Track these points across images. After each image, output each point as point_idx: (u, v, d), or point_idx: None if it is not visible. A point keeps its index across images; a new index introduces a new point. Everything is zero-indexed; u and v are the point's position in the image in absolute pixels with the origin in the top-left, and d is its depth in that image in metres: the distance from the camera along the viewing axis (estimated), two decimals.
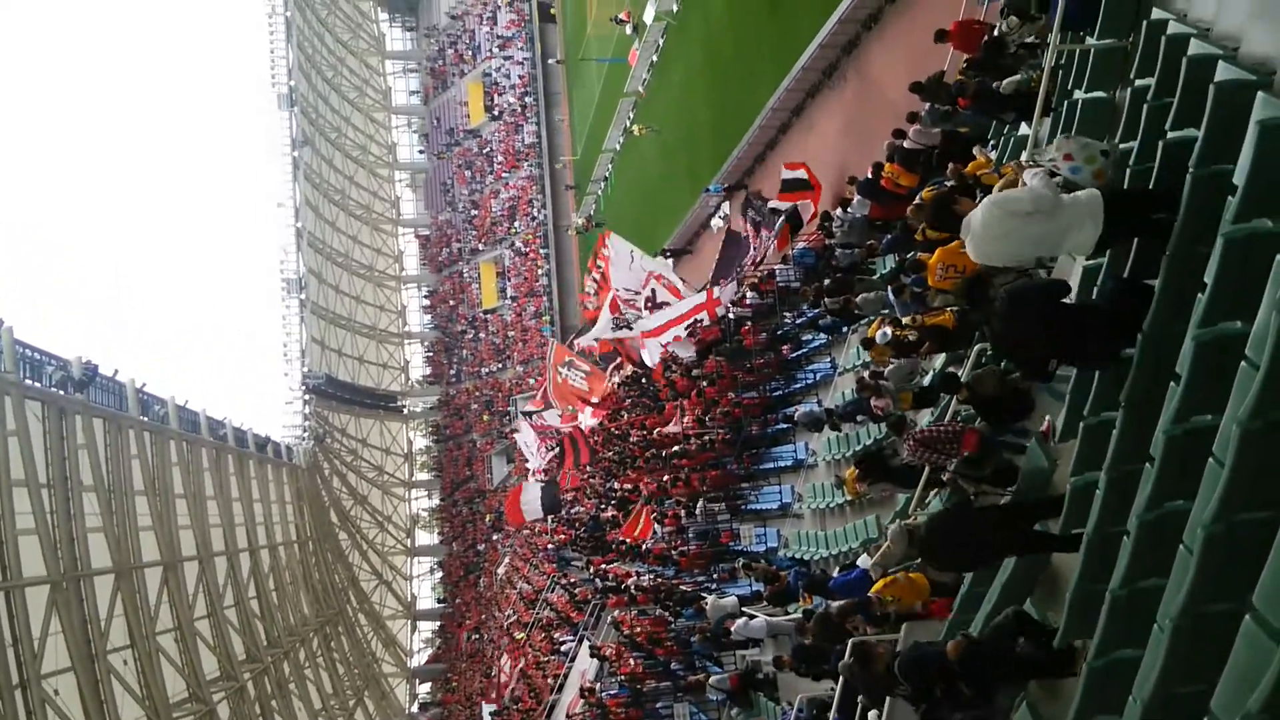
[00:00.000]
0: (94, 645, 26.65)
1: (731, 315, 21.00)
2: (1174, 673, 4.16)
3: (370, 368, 68.35)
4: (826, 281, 14.40)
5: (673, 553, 21.10)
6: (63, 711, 24.74)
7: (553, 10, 62.68)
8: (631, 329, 26.51)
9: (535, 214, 62.74)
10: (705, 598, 17.41)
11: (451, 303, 70.96)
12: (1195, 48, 5.51)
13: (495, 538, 62.91)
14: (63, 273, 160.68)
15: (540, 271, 61.82)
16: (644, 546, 23.83)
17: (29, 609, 24.16)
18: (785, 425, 17.96)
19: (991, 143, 10.76)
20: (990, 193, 6.30)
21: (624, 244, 22.64)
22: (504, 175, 66.10)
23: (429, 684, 66.46)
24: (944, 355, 9.91)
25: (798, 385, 18.08)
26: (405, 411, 72.57)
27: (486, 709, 39.88)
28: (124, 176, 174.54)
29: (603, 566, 29.11)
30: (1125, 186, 6.21)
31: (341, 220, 66.45)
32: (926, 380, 10.53)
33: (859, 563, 9.82)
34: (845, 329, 15.36)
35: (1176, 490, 4.59)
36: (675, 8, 33.41)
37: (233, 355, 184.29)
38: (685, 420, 22.03)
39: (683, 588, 20.46)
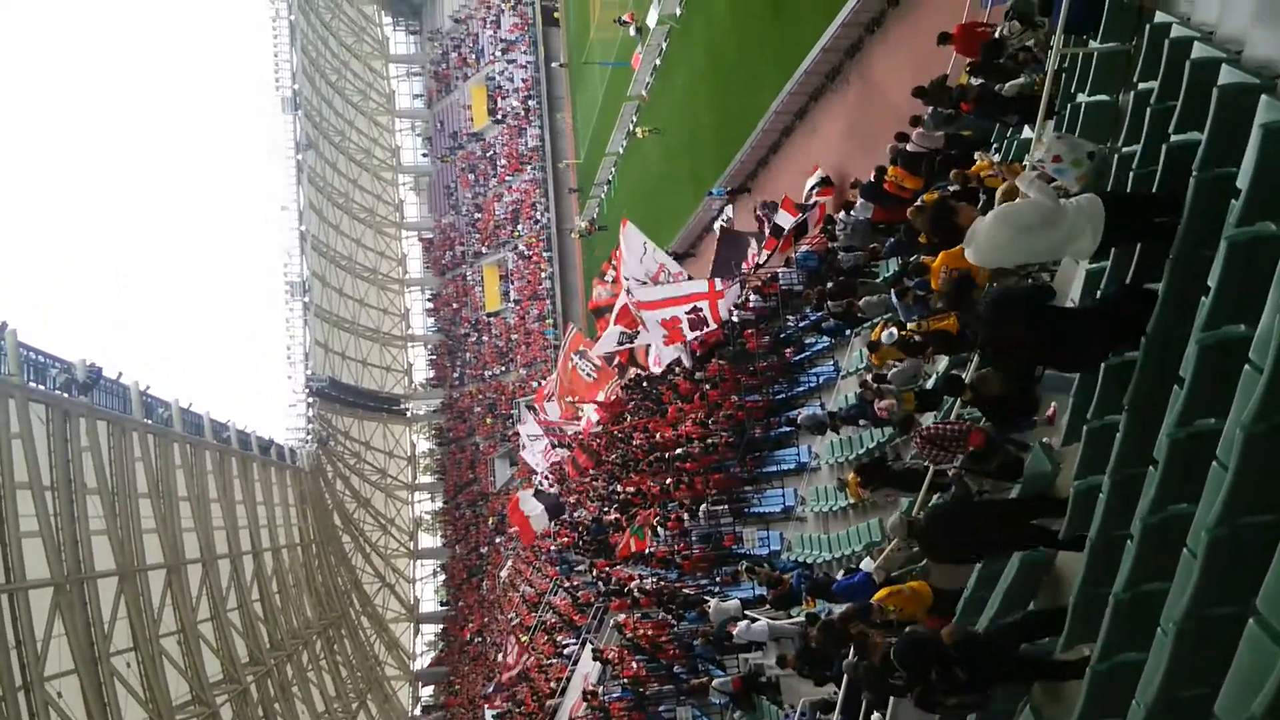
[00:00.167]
0: (97, 648, 26.67)
1: (735, 318, 20.98)
2: (1177, 677, 4.15)
3: (373, 371, 68.41)
4: (829, 285, 14.39)
5: (676, 556, 21.08)
6: (65, 714, 24.75)
7: (556, 14, 62.80)
8: (634, 341, 26.50)
9: (538, 217, 62.79)
10: (708, 601, 17.39)
11: (455, 306, 71.02)
12: (1199, 51, 5.50)
13: (498, 540, 62.91)
14: (67, 275, 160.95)
15: (543, 275, 61.85)
16: (648, 550, 23.82)
17: (32, 611, 24.19)
18: (788, 428, 17.96)
19: (995, 146, 10.76)
20: (993, 195, 6.29)
21: (638, 234, 22.57)
22: (507, 178, 66.18)
23: (432, 687, 66.46)
24: (948, 358, 9.90)
25: (801, 388, 18.07)
26: (408, 414, 72.61)
27: (489, 713, 39.88)
28: (128, 179, 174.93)
29: (606, 569, 29.09)
30: (1127, 190, 6.21)
31: (345, 223, 66.55)
32: (930, 384, 10.52)
33: (862, 566, 9.82)
34: (848, 332, 15.37)
35: (1180, 494, 4.59)
36: (678, 11, 33.44)
37: (236, 358, 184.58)
38: (688, 424, 22.02)
39: (685, 591, 20.45)
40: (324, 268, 62.30)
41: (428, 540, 73.05)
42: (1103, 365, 5.86)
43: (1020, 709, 6.35)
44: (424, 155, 76.33)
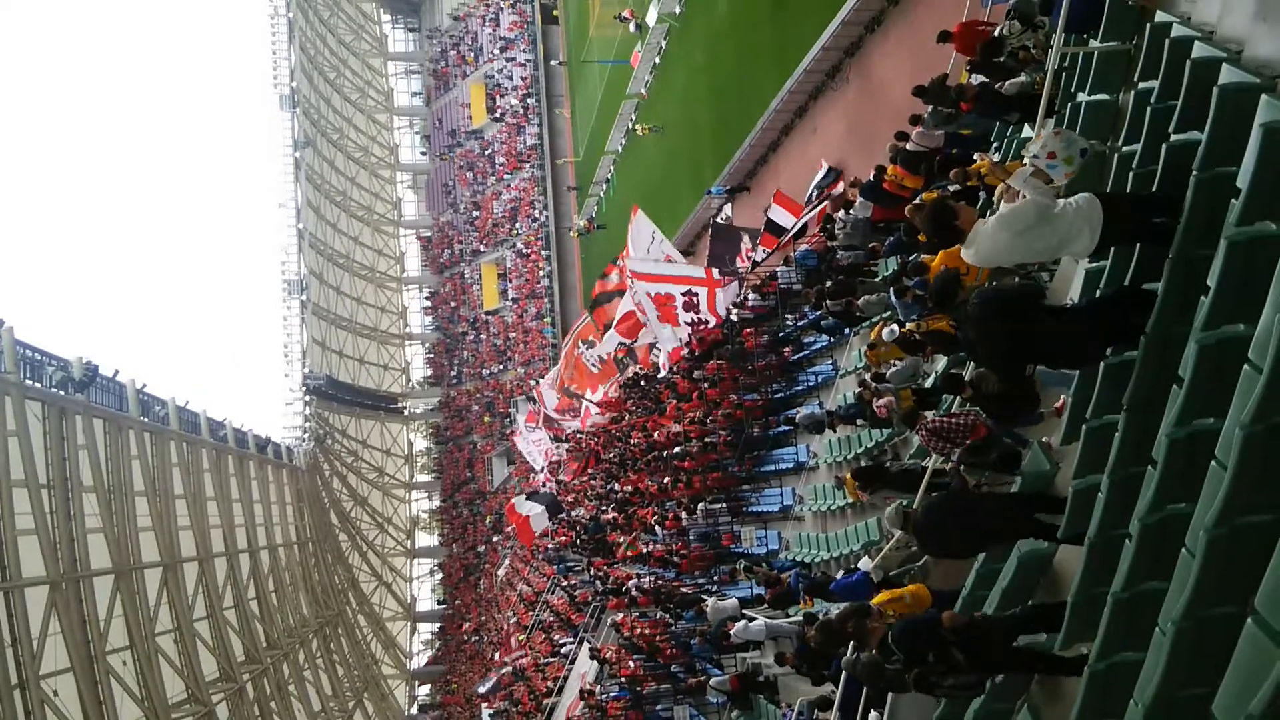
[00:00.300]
0: (93, 646, 26.65)
1: (734, 317, 20.98)
2: (1176, 676, 4.15)
3: (371, 369, 68.39)
4: (828, 284, 14.38)
5: (674, 555, 21.09)
6: (62, 712, 24.73)
7: (555, 12, 62.78)
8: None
9: (537, 215, 62.79)
10: (706, 600, 17.39)
11: (453, 304, 71.01)
12: (1199, 50, 5.50)
13: (495, 539, 62.92)
14: (63, 273, 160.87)
15: (542, 273, 61.84)
16: (645, 550, 23.85)
17: (28, 609, 24.17)
18: (787, 427, 17.96)
19: (994, 145, 10.76)
20: (993, 193, 6.29)
21: (648, 223, 22.55)
22: (505, 177, 66.17)
23: (428, 686, 66.46)
24: (947, 357, 9.90)
25: (799, 387, 18.08)
26: (406, 413, 72.60)
27: (486, 712, 39.88)
28: (126, 177, 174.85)
29: (604, 568, 29.10)
30: (1126, 190, 6.21)
31: (343, 221, 66.52)
32: (929, 382, 10.51)
33: (860, 565, 9.82)
34: (847, 331, 15.36)
35: (1179, 493, 4.59)
36: (678, 9, 33.45)
37: (233, 356, 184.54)
38: (684, 422, 22.00)
39: (683, 590, 20.45)
40: (322, 266, 62.27)
41: (425, 539, 73.07)
42: (1101, 364, 5.86)
43: (1019, 708, 6.35)
44: (422, 153, 76.33)
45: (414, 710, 64.37)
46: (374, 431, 69.09)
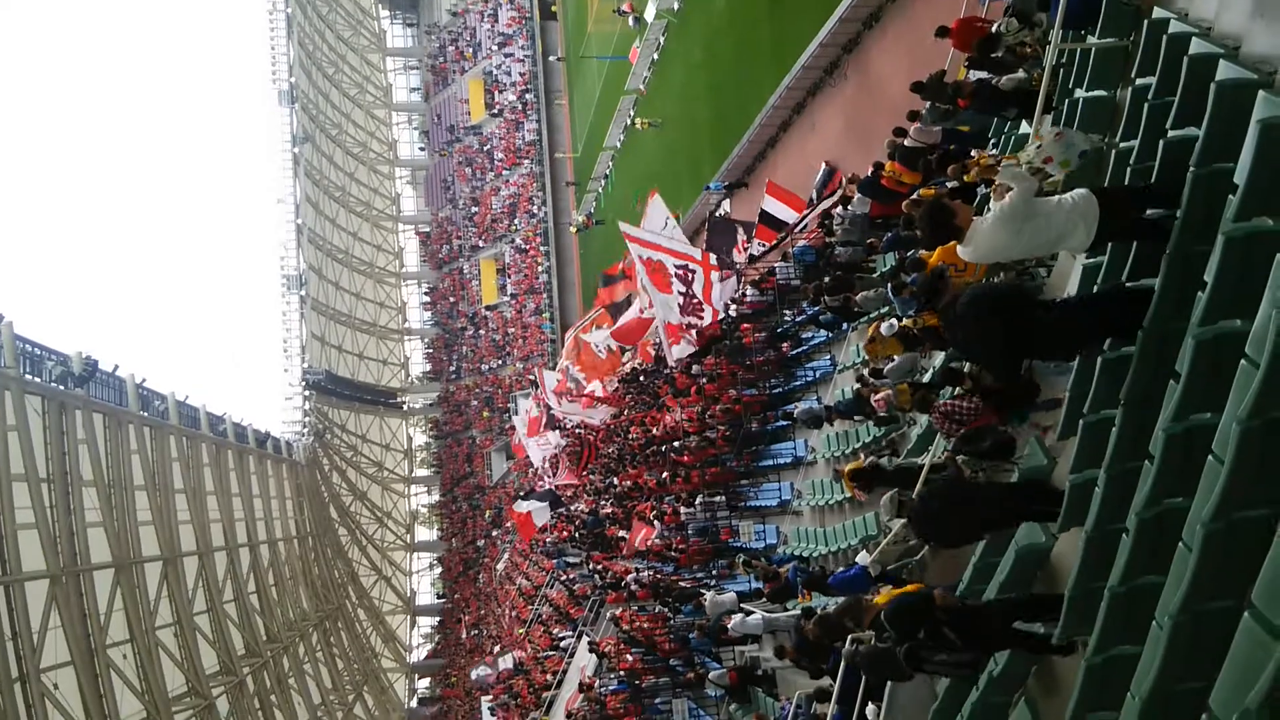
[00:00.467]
0: (93, 640, 26.68)
1: (732, 312, 20.97)
2: (1173, 670, 4.17)
3: (370, 364, 68.38)
4: (827, 279, 14.40)
5: (672, 549, 21.12)
6: (62, 706, 24.77)
7: (554, 7, 62.63)
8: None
9: (535, 211, 62.75)
10: (704, 594, 17.43)
11: (452, 299, 70.98)
12: (1196, 47, 5.51)
13: (494, 534, 62.98)
14: (63, 269, 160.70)
15: (540, 268, 61.82)
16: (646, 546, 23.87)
17: (28, 603, 24.18)
18: (785, 422, 17.98)
19: (992, 141, 10.77)
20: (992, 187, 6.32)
21: (663, 208, 22.49)
22: (504, 172, 66.12)
23: (428, 679, 66.55)
24: (944, 352, 9.92)
25: (798, 383, 18.10)
26: (405, 408, 72.61)
27: (485, 704, 39.94)
28: (125, 172, 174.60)
29: (602, 563, 29.13)
30: (1123, 184, 6.23)
31: (342, 217, 66.46)
32: (926, 377, 10.53)
33: (858, 560, 9.84)
34: (845, 327, 15.37)
35: (1176, 488, 4.61)
36: (676, 6, 33.41)
37: (233, 351, 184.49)
38: (682, 416, 22.00)
39: (682, 584, 20.48)
40: (321, 261, 62.23)
41: (424, 533, 73.12)
42: (1099, 359, 5.88)
43: (1016, 701, 6.38)
44: (421, 149, 76.23)
45: (413, 703, 64.45)
46: (373, 426, 69.11)
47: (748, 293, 20.86)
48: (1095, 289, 6.37)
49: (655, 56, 36.81)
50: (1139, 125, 6.24)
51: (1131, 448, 5.26)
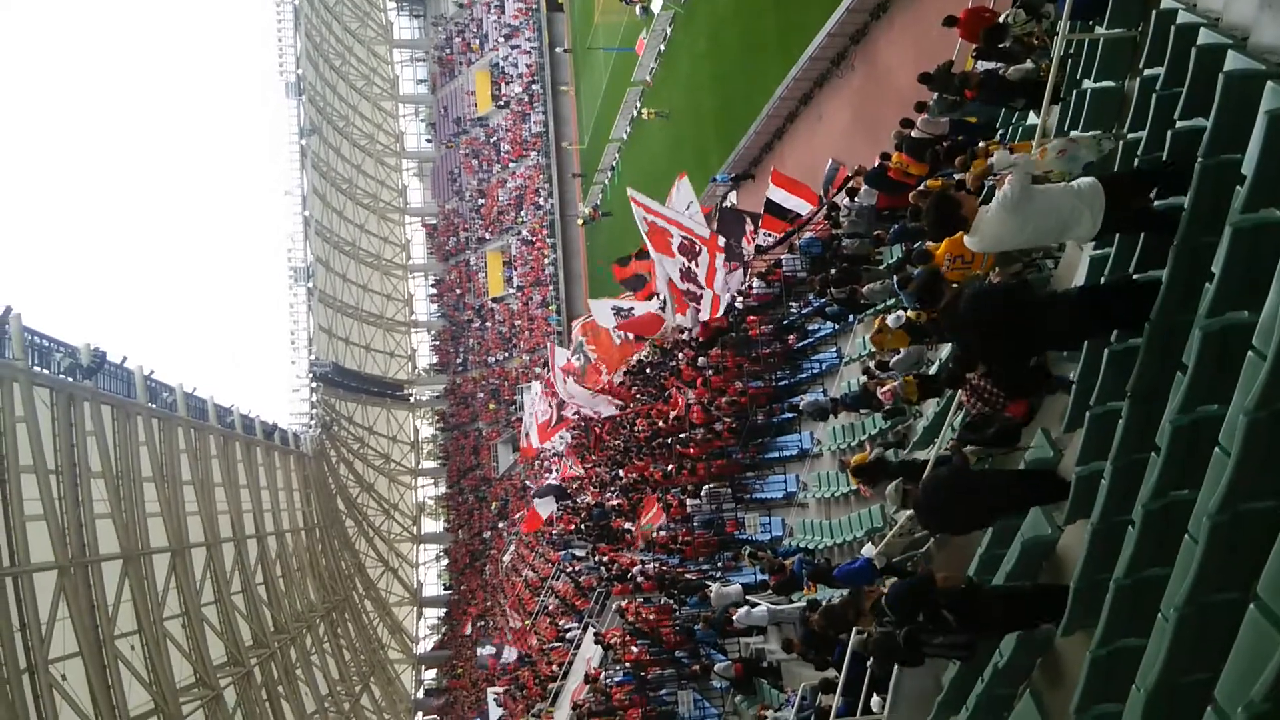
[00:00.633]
0: (101, 631, 26.75)
1: (739, 304, 20.96)
2: (1178, 662, 4.16)
3: (377, 356, 68.47)
4: (833, 271, 14.38)
5: (678, 541, 21.15)
6: (70, 697, 24.85)
7: None
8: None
9: (542, 203, 62.73)
10: (710, 586, 17.46)
11: (458, 291, 71.05)
12: (1204, 37, 5.48)
13: (500, 525, 63.11)
14: (71, 261, 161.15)
15: (547, 260, 61.82)
16: (653, 533, 23.89)
17: (37, 595, 24.25)
18: (791, 414, 17.98)
19: (1000, 131, 10.73)
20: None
21: (690, 192, 22.39)
22: (511, 164, 66.09)
23: (435, 670, 66.77)
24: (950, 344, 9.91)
25: (804, 375, 18.09)
26: (412, 400, 72.71)
27: (491, 694, 40.08)
28: (133, 165, 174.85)
29: (608, 554, 29.17)
30: (1131, 169, 6.22)
31: (349, 209, 66.50)
32: (934, 370, 10.53)
33: (863, 552, 9.85)
34: (851, 319, 15.36)
35: (1182, 480, 4.59)
36: None
37: (241, 343, 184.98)
38: (693, 397, 21.96)
39: (687, 576, 20.52)
40: (328, 253, 62.28)
41: (431, 525, 73.27)
42: (1105, 351, 5.87)
43: (1021, 693, 6.38)
44: (428, 141, 76.23)
45: (420, 694, 64.68)
46: (380, 418, 69.23)
47: (754, 285, 20.83)
48: (1097, 281, 6.36)
49: (662, 48, 36.77)
50: (1147, 116, 6.21)
51: (1138, 440, 5.25)
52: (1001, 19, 9.39)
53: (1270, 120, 4.26)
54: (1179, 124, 5.55)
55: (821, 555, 13.79)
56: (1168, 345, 5.10)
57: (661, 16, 35.19)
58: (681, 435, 22.87)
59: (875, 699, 8.40)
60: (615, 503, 30.30)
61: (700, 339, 22.40)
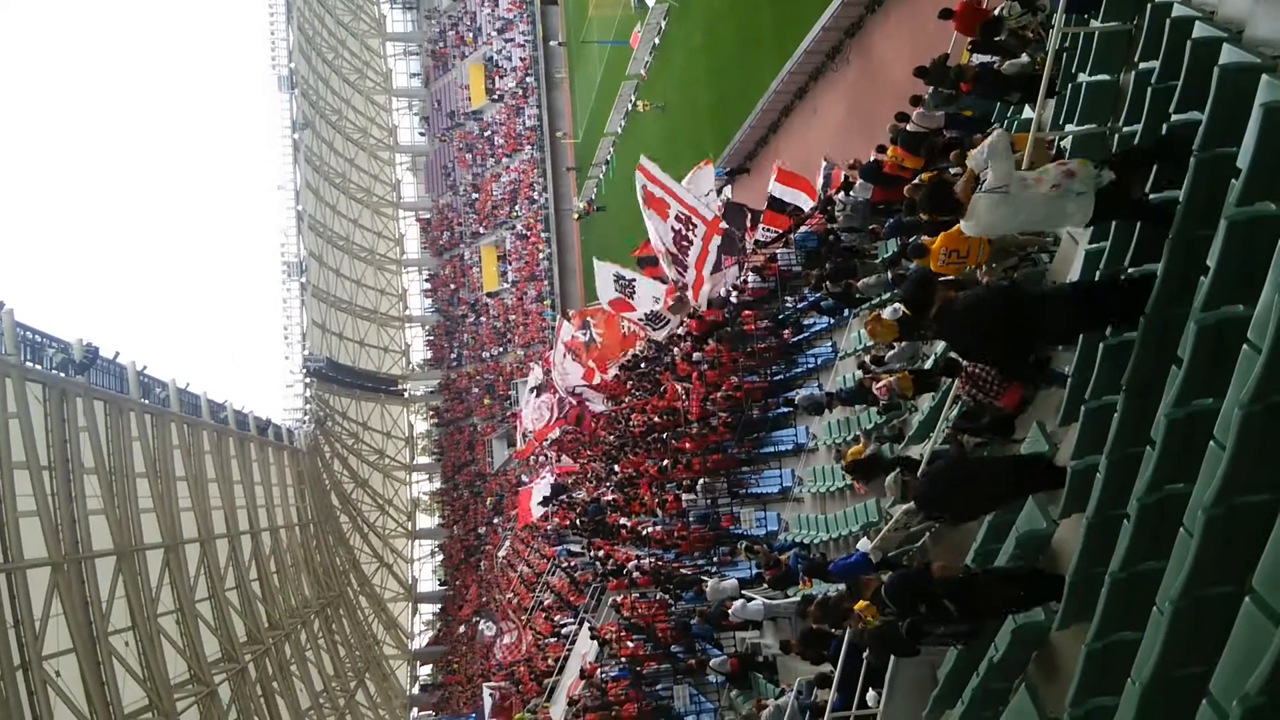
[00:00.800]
0: (95, 627, 26.72)
1: (734, 299, 20.93)
2: (1174, 655, 4.17)
3: (371, 351, 68.37)
4: (828, 266, 14.37)
5: (674, 536, 21.15)
6: (64, 693, 24.82)
7: None
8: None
9: (536, 197, 62.63)
10: (705, 581, 17.46)
11: (452, 286, 70.93)
12: (1200, 30, 5.48)
13: (496, 521, 63.10)
14: (64, 256, 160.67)
15: (541, 255, 61.75)
16: (645, 532, 23.89)
17: (30, 591, 24.22)
18: (786, 409, 17.97)
19: (995, 126, 10.71)
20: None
21: (711, 179, 22.26)
22: (505, 158, 65.97)
23: (430, 666, 66.76)
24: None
25: (799, 369, 18.09)
26: (406, 395, 72.61)
27: (487, 689, 40.09)
28: (124, 159, 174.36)
29: (604, 549, 29.16)
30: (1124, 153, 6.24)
31: (342, 203, 66.34)
32: (929, 364, 10.53)
33: (859, 546, 9.84)
34: (847, 313, 15.35)
35: (1177, 473, 4.60)
36: None
37: (234, 338, 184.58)
38: (689, 401, 21.96)
39: (683, 571, 20.52)
40: (321, 248, 62.14)
41: (425, 520, 73.23)
42: (1100, 345, 5.88)
43: (1016, 687, 6.38)
44: (421, 135, 76.01)
45: (415, 690, 64.68)
46: (374, 414, 69.13)
47: (749, 279, 20.81)
48: (1092, 276, 6.37)
49: (656, 41, 36.73)
50: (1142, 110, 6.22)
51: (1133, 433, 5.25)
52: (997, 12, 9.38)
53: (1265, 113, 4.25)
54: (1174, 117, 5.56)
55: (817, 550, 13.80)
56: (1163, 339, 5.11)
57: (656, 10, 35.13)
58: (677, 430, 22.86)
59: (871, 693, 8.41)
60: (611, 498, 30.30)
61: (694, 333, 22.38)
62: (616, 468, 30.40)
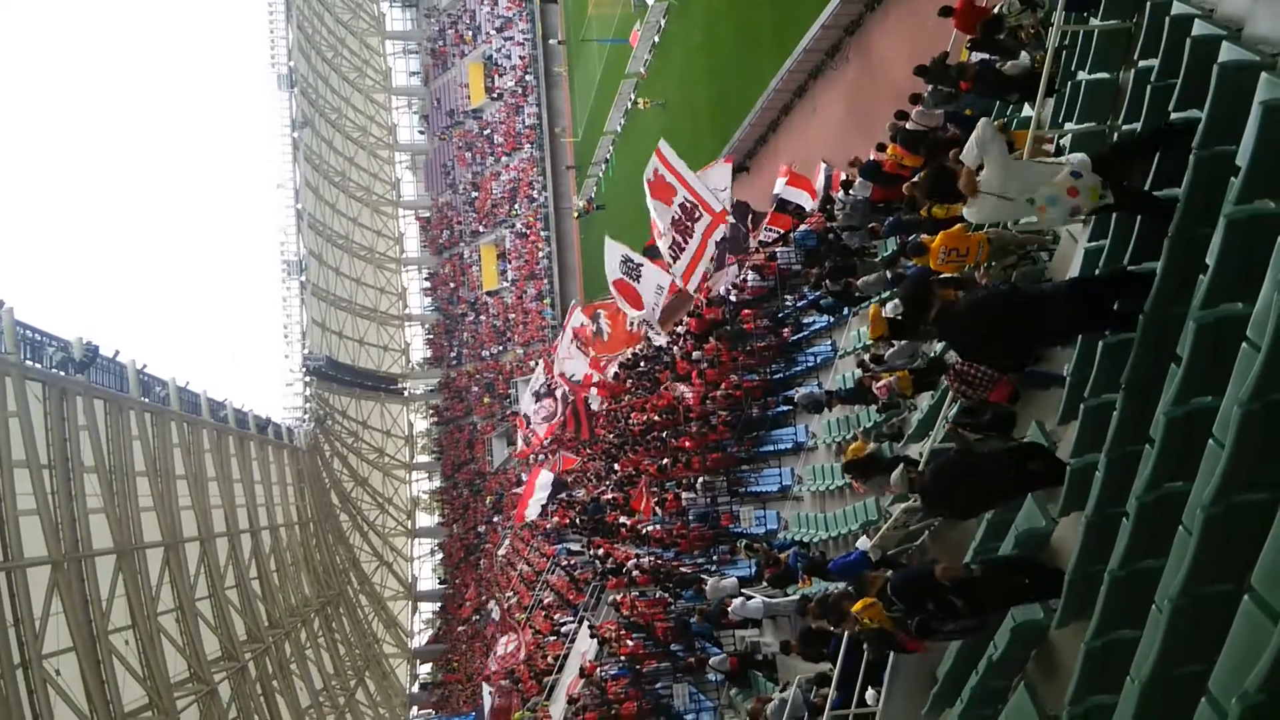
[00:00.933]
0: (95, 626, 26.71)
1: (733, 297, 20.92)
2: (1173, 653, 4.17)
3: (371, 350, 68.32)
4: (828, 264, 14.36)
5: (673, 535, 21.15)
6: (64, 692, 24.81)
7: None
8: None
9: (536, 196, 62.60)
10: (705, 579, 17.46)
11: (452, 285, 70.88)
12: (1199, 29, 5.48)
13: (495, 519, 63.08)
14: (63, 254, 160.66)
15: (541, 254, 61.71)
16: (644, 530, 23.89)
17: (30, 589, 24.21)
18: (786, 408, 17.97)
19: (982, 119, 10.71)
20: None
21: (728, 176, 22.19)
22: (504, 157, 65.93)
23: (429, 664, 66.75)
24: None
25: (798, 368, 18.09)
26: (406, 394, 72.57)
27: (486, 689, 40.10)
28: (123, 157, 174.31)
29: (604, 548, 29.15)
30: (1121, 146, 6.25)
31: (341, 202, 66.27)
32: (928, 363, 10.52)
33: (858, 545, 9.85)
34: (846, 311, 15.35)
35: (1176, 472, 4.60)
36: None
37: (234, 337, 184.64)
38: (682, 397, 21.95)
39: (682, 569, 20.52)
40: (321, 246, 62.09)
41: (425, 519, 73.22)
42: (1100, 343, 5.89)
43: (1015, 685, 6.39)
44: (421, 133, 75.89)
45: (415, 689, 64.68)
46: (374, 412, 69.10)
47: (749, 277, 20.81)
48: (1091, 274, 6.38)
49: (656, 39, 36.71)
50: (1142, 108, 6.22)
51: (1132, 432, 5.26)
52: (997, 10, 9.38)
53: (1265, 111, 4.25)
54: (1174, 115, 5.56)
55: (817, 548, 13.80)
56: (1162, 337, 5.11)
57: (655, 8, 35.13)
58: (677, 428, 22.85)
59: (870, 692, 8.41)
60: (610, 496, 30.29)
61: (693, 331, 22.38)
62: (616, 466, 30.39)
